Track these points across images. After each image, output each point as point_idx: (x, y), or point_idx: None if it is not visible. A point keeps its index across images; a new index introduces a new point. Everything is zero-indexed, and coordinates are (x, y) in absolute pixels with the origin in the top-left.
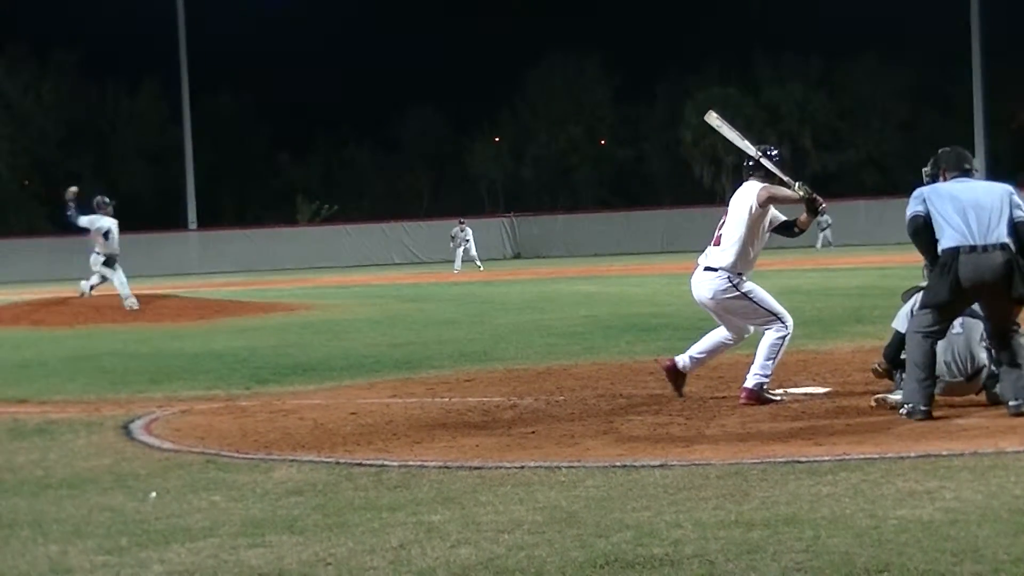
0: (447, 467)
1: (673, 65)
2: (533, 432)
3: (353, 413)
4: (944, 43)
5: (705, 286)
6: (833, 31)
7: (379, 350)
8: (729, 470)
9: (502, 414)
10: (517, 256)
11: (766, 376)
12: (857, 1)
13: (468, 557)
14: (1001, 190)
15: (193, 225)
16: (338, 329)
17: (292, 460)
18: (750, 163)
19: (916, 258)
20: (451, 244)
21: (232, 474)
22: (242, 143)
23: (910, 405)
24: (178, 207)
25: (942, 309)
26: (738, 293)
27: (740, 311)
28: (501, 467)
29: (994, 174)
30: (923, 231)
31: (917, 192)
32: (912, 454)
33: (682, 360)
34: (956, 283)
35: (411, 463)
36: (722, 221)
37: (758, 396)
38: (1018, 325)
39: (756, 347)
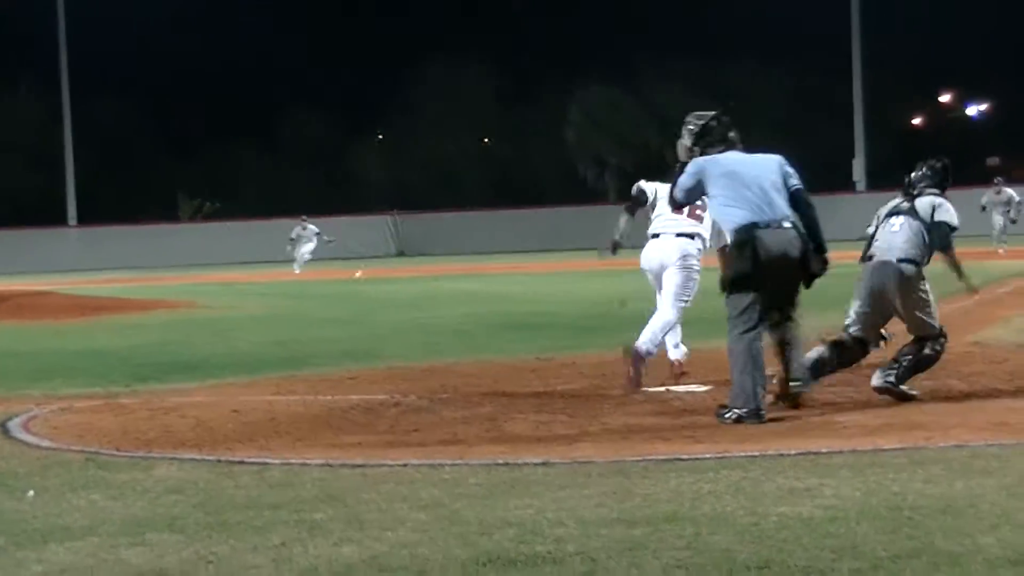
0: (330, 465)
1: (557, 65)
2: (416, 430)
3: (235, 411)
4: (825, 45)
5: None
6: (716, 32)
7: (262, 348)
8: (611, 468)
9: (385, 412)
10: (400, 254)
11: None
12: (739, 2)
13: (351, 555)
14: (775, 162)
15: (73, 221)
16: (220, 327)
17: (173, 458)
18: None
19: None
20: (288, 247)
21: (112, 472)
22: (124, 140)
23: (743, 410)
24: (60, 205)
25: (750, 289)
26: None
27: None
28: (384, 465)
29: (876, 177)
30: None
31: (694, 164)
32: (792, 452)
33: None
34: (755, 257)
35: (293, 461)
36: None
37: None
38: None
39: None
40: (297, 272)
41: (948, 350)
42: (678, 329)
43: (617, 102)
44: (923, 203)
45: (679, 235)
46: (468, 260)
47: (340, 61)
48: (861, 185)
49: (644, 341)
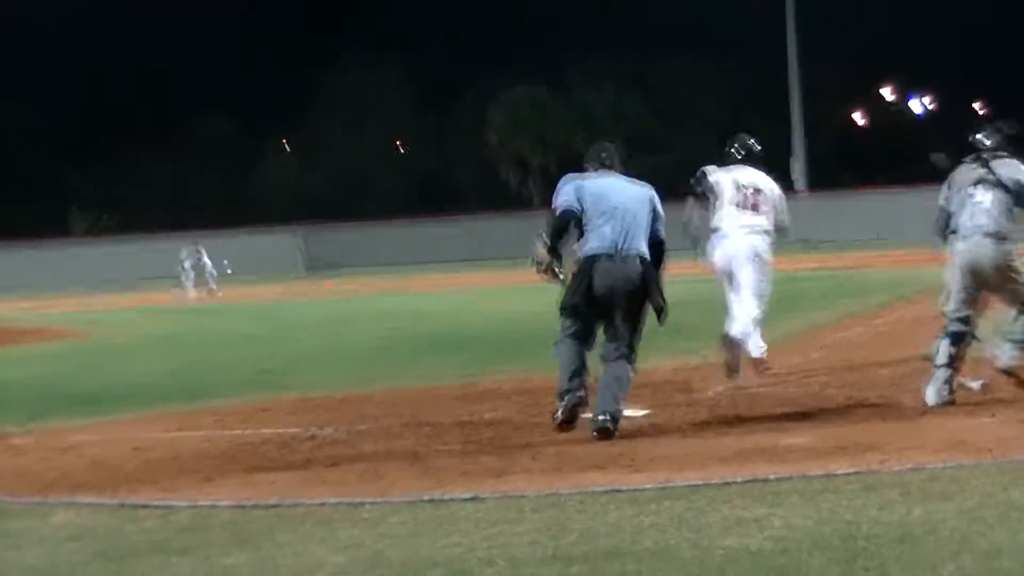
0: (241, 506)
1: (479, 64)
2: (334, 465)
3: (136, 448)
4: (762, 43)
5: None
6: (648, 29)
7: (164, 378)
8: (545, 501)
9: (299, 446)
10: (310, 271)
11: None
12: None
13: None
14: (645, 195)
15: None
16: (118, 355)
17: (71, 503)
18: None
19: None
20: (182, 269)
21: (6, 520)
22: (7, 146)
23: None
24: None
25: (576, 314)
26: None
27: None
28: (300, 504)
29: (815, 177)
30: (565, 228)
31: (571, 183)
32: (738, 479)
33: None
34: (589, 289)
35: (201, 503)
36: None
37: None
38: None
39: None
40: (193, 296)
41: (901, 365)
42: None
43: (541, 102)
44: (1008, 172)
45: (749, 232)
46: (386, 275)
47: (248, 61)
48: (801, 185)
49: (737, 330)
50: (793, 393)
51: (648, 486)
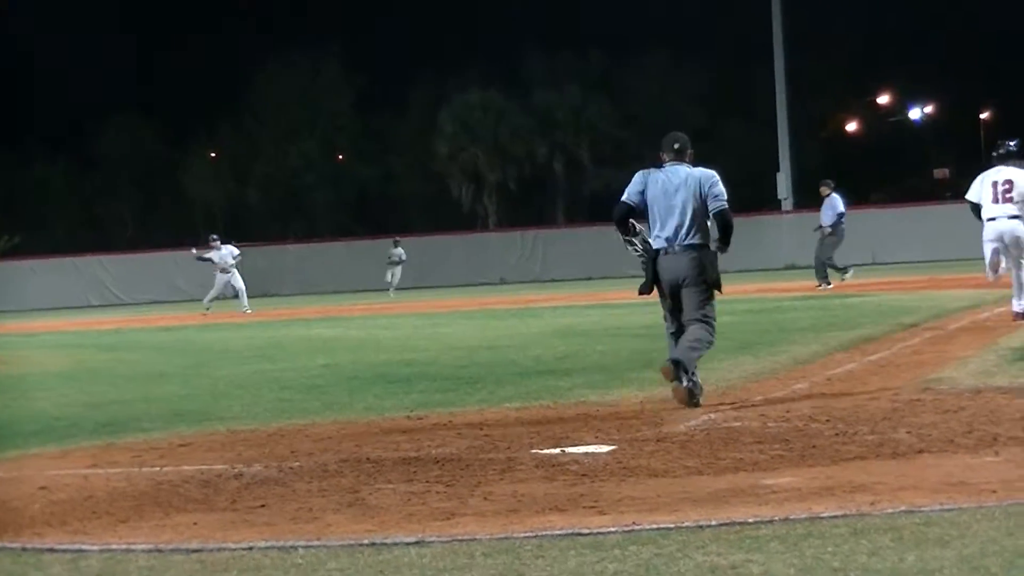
0: (159, 551)
1: (426, 65)
2: (263, 506)
3: (43, 487)
4: (744, 42)
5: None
6: (617, 25)
7: (74, 411)
8: (498, 546)
9: (225, 485)
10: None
11: None
12: None
13: None
14: (696, 180)
15: None
16: (23, 386)
17: None
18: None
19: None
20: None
21: None
22: None
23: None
24: None
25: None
26: None
27: None
28: (225, 549)
29: (801, 185)
30: (623, 219)
31: (640, 176)
32: (713, 522)
33: None
34: (656, 279)
35: (115, 547)
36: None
37: None
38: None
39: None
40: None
41: (895, 398)
42: None
43: (497, 107)
44: None
45: (1011, 217)
46: (322, 300)
47: (169, 62)
48: (788, 204)
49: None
50: (775, 428)
51: (612, 529)
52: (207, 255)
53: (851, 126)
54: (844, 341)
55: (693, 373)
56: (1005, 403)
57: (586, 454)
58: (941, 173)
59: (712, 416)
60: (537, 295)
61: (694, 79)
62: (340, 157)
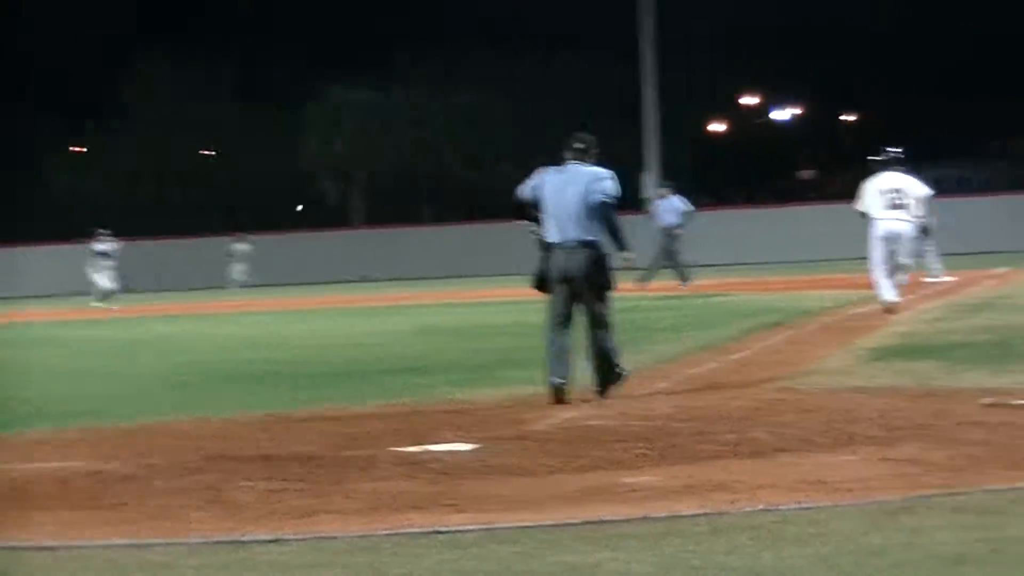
0: (12, 548)
1: (295, 61)
2: (121, 503)
3: None
4: (616, 42)
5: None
6: (489, 23)
7: None
8: (357, 544)
9: (83, 482)
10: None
11: None
12: None
13: None
14: (586, 177)
15: None
16: None
17: None
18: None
19: None
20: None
21: None
22: None
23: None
24: None
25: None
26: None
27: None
28: (82, 547)
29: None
30: (518, 213)
31: (538, 172)
32: (574, 521)
33: None
34: (547, 274)
35: None
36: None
37: None
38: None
39: None
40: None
41: (755, 398)
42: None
43: (367, 103)
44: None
45: (902, 220)
46: (185, 297)
47: (30, 47)
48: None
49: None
50: (636, 427)
51: (472, 528)
52: (102, 248)
53: (717, 127)
54: (705, 341)
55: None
56: (862, 403)
57: (447, 452)
58: (806, 174)
59: (573, 415)
60: (402, 293)
61: (565, 76)
62: (208, 152)
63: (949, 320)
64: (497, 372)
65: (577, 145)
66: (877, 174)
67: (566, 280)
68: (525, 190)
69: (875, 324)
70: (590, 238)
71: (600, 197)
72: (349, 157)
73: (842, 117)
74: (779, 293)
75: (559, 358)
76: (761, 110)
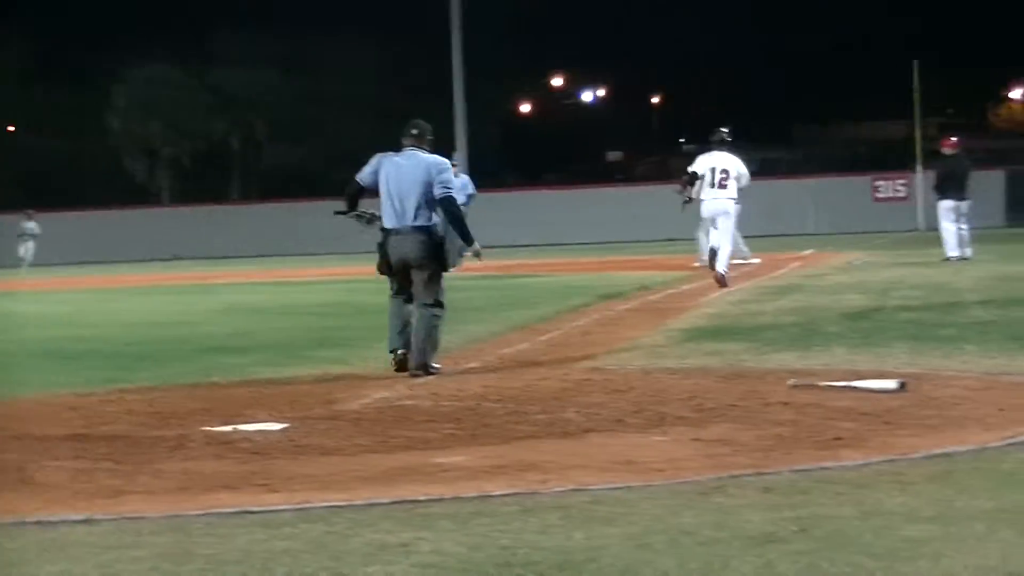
0: None
1: (101, 37)
2: None
3: None
4: (424, 22)
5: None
6: (296, 3)
7: None
8: (167, 524)
9: None
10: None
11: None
12: None
13: None
14: (427, 165)
15: None
16: None
17: None
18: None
19: None
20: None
21: None
22: None
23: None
24: None
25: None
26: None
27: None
28: None
29: (480, 166)
30: (353, 197)
31: (376, 158)
32: (384, 500)
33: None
34: (387, 258)
35: None
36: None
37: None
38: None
39: None
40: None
41: (566, 378)
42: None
43: (174, 83)
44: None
45: (726, 199)
46: None
47: None
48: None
49: (721, 266)
50: (447, 407)
51: (283, 507)
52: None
53: (526, 108)
54: (517, 321)
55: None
56: (672, 383)
57: (258, 432)
58: (613, 156)
59: (385, 394)
60: (211, 271)
61: (373, 57)
62: (10, 128)
63: (757, 302)
64: (308, 352)
65: (413, 131)
66: (708, 152)
67: (403, 264)
68: (364, 176)
69: (685, 305)
70: (426, 224)
71: (446, 192)
72: (156, 135)
73: (651, 100)
74: (589, 274)
75: (398, 329)
76: (569, 91)
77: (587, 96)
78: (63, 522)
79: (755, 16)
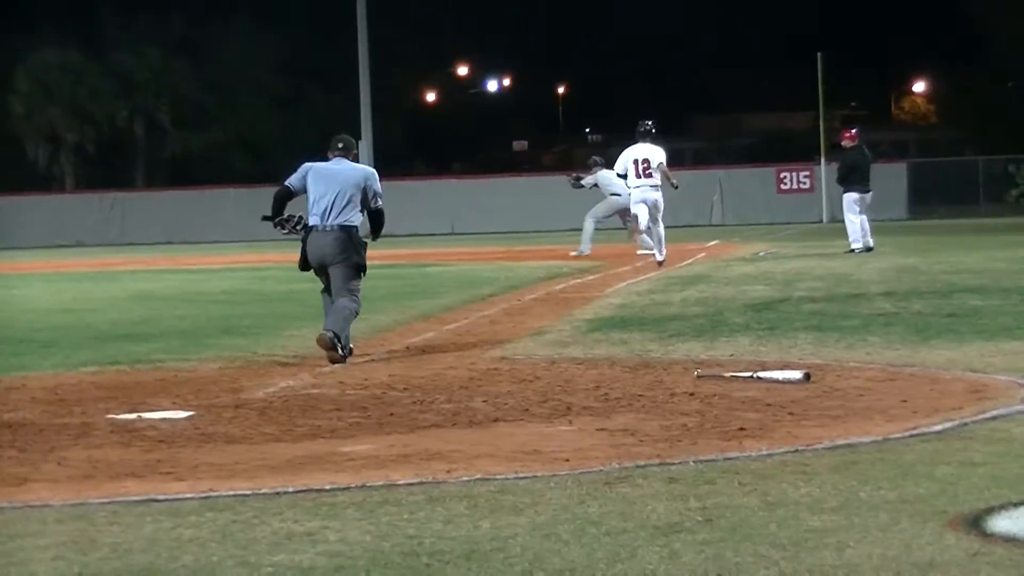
0: None
1: (1, 20)
2: None
3: None
4: (329, 9)
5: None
6: None
7: None
8: (71, 512)
9: None
10: None
11: None
12: None
13: None
14: (361, 174)
15: None
16: None
17: None
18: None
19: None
20: None
21: None
22: None
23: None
24: None
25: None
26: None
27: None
28: None
29: (385, 157)
30: (282, 200)
31: (305, 165)
32: (291, 489)
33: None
34: (305, 256)
35: None
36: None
37: None
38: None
39: None
40: None
41: (472, 367)
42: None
43: (76, 67)
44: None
45: (652, 187)
46: None
47: None
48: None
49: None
50: (353, 396)
51: (189, 496)
52: None
53: (431, 97)
54: (423, 310)
55: (346, 338)
56: (579, 373)
57: (163, 420)
58: (519, 145)
59: (291, 383)
60: (115, 258)
61: (277, 46)
62: None
63: (663, 292)
64: (212, 339)
65: (340, 145)
66: (635, 143)
67: (320, 262)
68: (293, 181)
69: (591, 296)
70: (347, 224)
71: (380, 203)
72: (58, 120)
73: (556, 89)
74: (495, 264)
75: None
76: (475, 79)
77: (492, 85)
78: None
79: (660, 8)
